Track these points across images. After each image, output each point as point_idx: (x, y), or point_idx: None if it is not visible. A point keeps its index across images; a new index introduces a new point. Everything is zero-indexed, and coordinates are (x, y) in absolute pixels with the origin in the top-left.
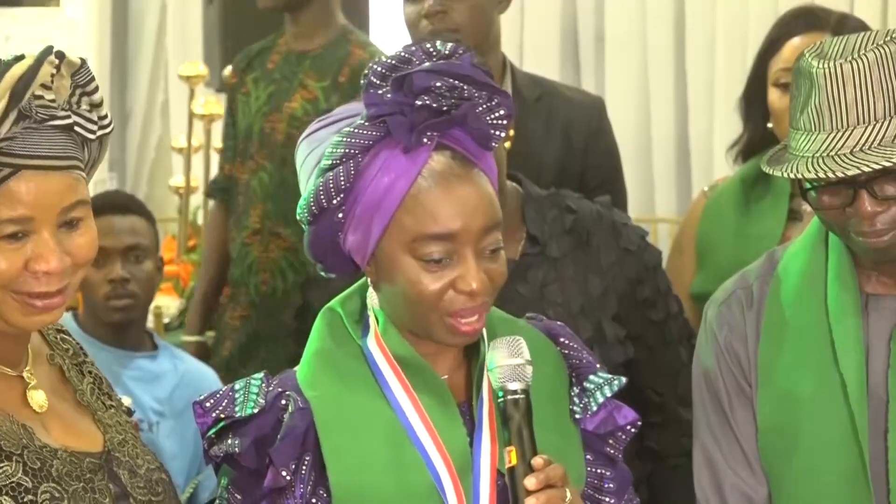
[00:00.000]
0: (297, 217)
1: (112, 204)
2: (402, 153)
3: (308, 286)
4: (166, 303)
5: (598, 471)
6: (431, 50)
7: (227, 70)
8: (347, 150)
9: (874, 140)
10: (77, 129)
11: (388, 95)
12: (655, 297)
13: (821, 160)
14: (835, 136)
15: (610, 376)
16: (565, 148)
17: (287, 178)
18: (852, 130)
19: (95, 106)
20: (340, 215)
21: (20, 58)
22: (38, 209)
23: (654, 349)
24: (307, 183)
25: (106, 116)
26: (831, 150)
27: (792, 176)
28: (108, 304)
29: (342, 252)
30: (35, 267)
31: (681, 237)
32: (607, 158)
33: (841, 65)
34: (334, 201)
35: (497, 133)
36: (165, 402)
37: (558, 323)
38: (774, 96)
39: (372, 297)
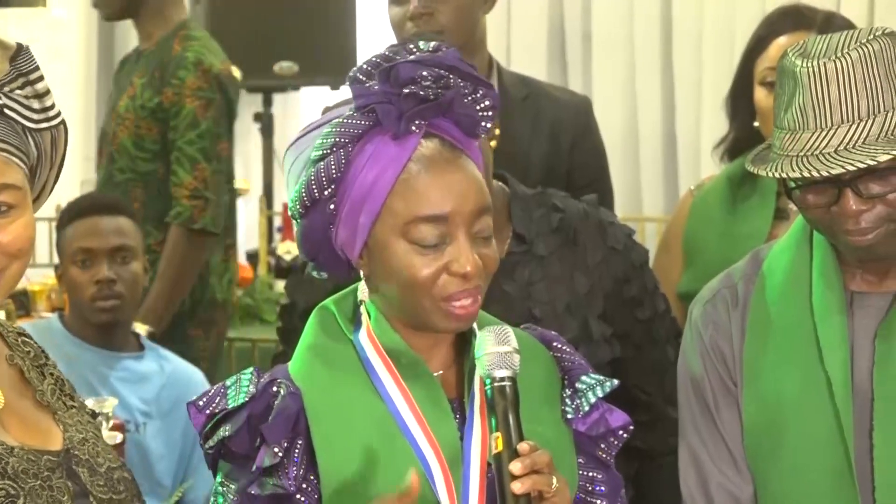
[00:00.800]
0: (290, 213)
1: (98, 205)
2: (391, 141)
3: (293, 286)
4: None
5: (590, 474)
6: (414, 49)
7: None
8: (338, 140)
9: (858, 139)
10: (8, 112)
11: (376, 87)
12: (642, 295)
13: (805, 159)
14: (819, 135)
15: (602, 378)
16: (552, 147)
17: (113, 174)
18: (836, 129)
19: (39, 95)
20: (332, 206)
21: None
22: None
23: (641, 348)
24: (295, 183)
25: (52, 108)
26: (816, 150)
27: (777, 175)
28: (94, 305)
29: (333, 249)
30: None
31: (668, 236)
32: (594, 158)
33: (824, 63)
34: (326, 192)
35: (483, 122)
36: (152, 403)
37: (553, 332)
38: (761, 95)
39: (363, 292)
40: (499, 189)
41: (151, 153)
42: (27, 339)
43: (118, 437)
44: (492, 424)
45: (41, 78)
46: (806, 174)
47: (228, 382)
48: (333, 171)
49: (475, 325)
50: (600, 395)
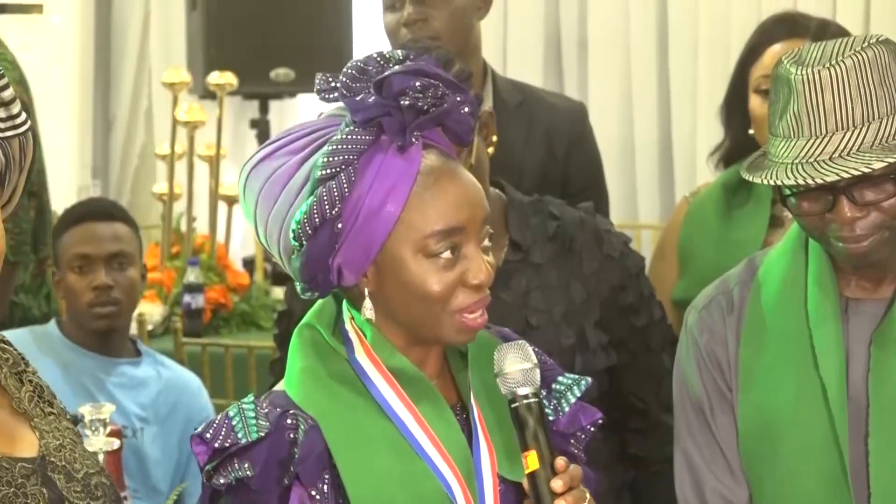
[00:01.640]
0: (292, 237)
1: (95, 211)
2: (395, 156)
3: (291, 292)
4: (150, 310)
5: None
6: (382, 59)
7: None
8: (346, 157)
9: (853, 146)
10: None
11: (371, 99)
12: (638, 303)
13: (800, 167)
14: (814, 143)
15: (576, 377)
16: (547, 154)
17: None
18: (831, 136)
19: (5, 104)
20: (340, 225)
21: None
22: None
23: (637, 355)
24: (272, 206)
25: (18, 115)
26: (810, 157)
27: (771, 182)
28: (91, 312)
29: (329, 269)
30: None
31: (663, 243)
32: (589, 164)
33: (819, 71)
34: (335, 210)
35: (471, 129)
36: (149, 409)
37: (506, 329)
38: (755, 103)
39: (368, 310)
40: (496, 196)
41: None
42: (5, 346)
43: (116, 443)
44: (520, 442)
45: (7, 86)
46: (801, 181)
47: (231, 413)
48: (345, 189)
49: None
50: (578, 394)
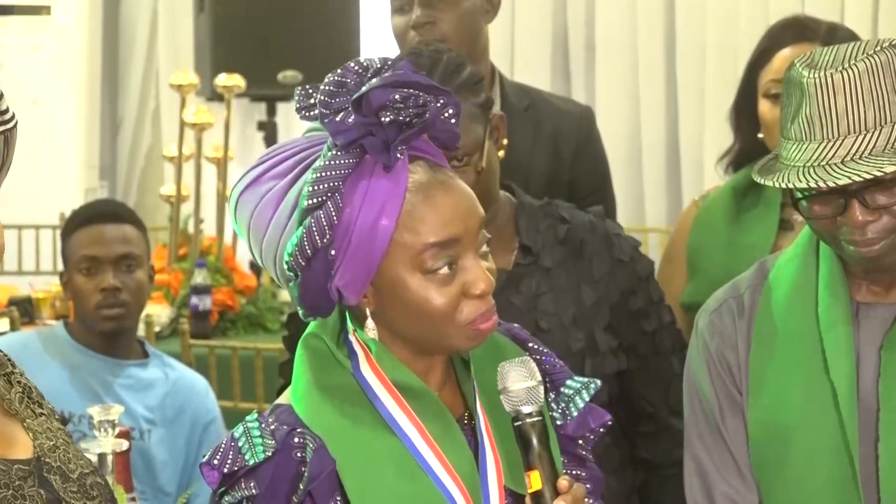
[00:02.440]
0: (286, 267)
1: (104, 213)
2: (381, 176)
3: None
4: (157, 311)
5: (574, 472)
6: (360, 69)
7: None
8: (331, 184)
9: (865, 150)
10: None
11: (350, 119)
12: (648, 307)
13: (812, 170)
14: (826, 146)
15: (585, 380)
16: (554, 157)
17: None
18: (843, 140)
19: None
20: (333, 252)
21: None
22: None
23: (647, 359)
24: (264, 232)
25: (7, 111)
26: (822, 160)
27: (783, 185)
28: (99, 313)
29: (328, 294)
30: None
31: (672, 247)
32: (596, 167)
33: (832, 75)
34: (326, 238)
35: (457, 133)
36: (156, 411)
37: (516, 325)
38: (765, 107)
39: (370, 331)
40: (505, 200)
41: None
42: None
43: (124, 445)
44: (525, 461)
45: None
46: (812, 184)
47: (237, 434)
48: (333, 216)
49: None
50: (587, 398)
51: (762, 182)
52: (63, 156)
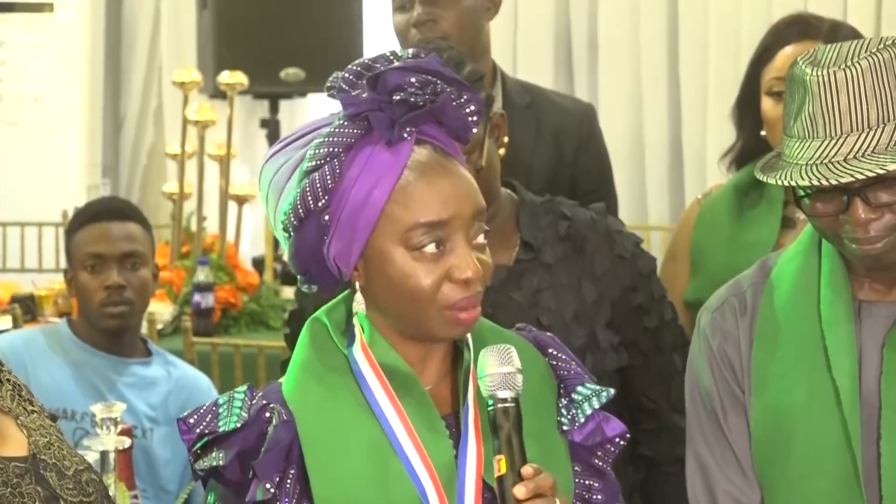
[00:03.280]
0: (281, 226)
1: (109, 210)
2: (384, 150)
3: (302, 292)
4: (160, 309)
5: (587, 482)
6: (392, 56)
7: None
8: (331, 150)
9: (868, 147)
10: None
11: (364, 94)
12: (649, 303)
13: (815, 167)
14: (829, 144)
15: (598, 388)
16: (555, 154)
17: None
18: (846, 138)
19: None
20: (327, 217)
21: None
22: None
23: (649, 356)
24: (278, 198)
25: None
26: (825, 158)
27: (785, 183)
28: (103, 311)
29: (325, 263)
30: None
31: (674, 244)
32: (598, 165)
33: (835, 72)
34: (320, 202)
35: (472, 126)
36: (159, 409)
37: (548, 334)
38: (767, 105)
39: (359, 304)
40: (507, 196)
41: None
42: None
43: (127, 442)
44: (494, 445)
45: None
46: (815, 182)
47: (221, 401)
48: (329, 181)
49: (469, 337)
50: (596, 406)
51: (764, 180)
52: (66, 153)
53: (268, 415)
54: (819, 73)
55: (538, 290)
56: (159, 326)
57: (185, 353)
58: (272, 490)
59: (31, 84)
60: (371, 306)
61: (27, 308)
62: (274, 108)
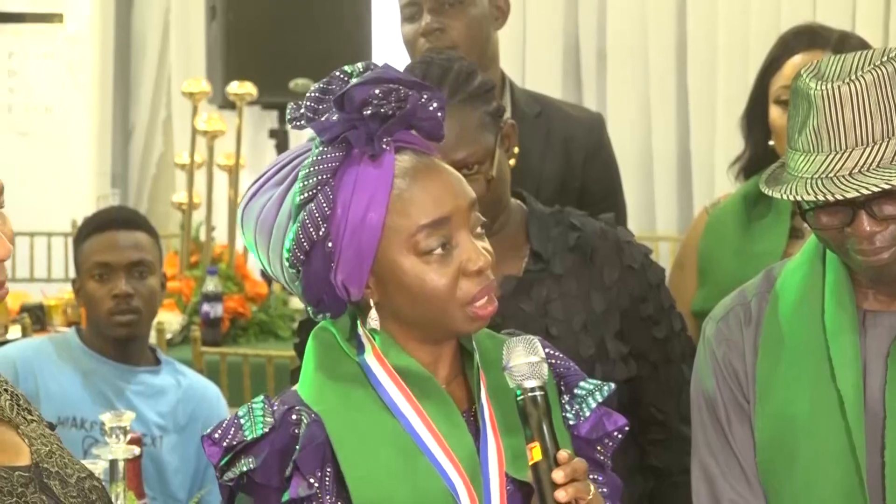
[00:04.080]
0: (287, 263)
1: (117, 219)
2: (368, 166)
3: None
4: (169, 319)
5: (590, 475)
6: (344, 75)
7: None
8: (319, 178)
9: (873, 161)
10: None
11: (335, 117)
12: (658, 314)
13: (819, 182)
14: (833, 158)
15: (599, 382)
16: (564, 164)
17: None
18: (851, 152)
19: None
20: (330, 244)
21: None
22: None
23: (657, 367)
24: (269, 236)
25: None
26: (830, 172)
27: (791, 197)
28: (111, 320)
29: (334, 289)
30: None
31: (683, 253)
32: (606, 174)
33: (839, 86)
34: (321, 231)
35: (441, 123)
36: (168, 417)
37: (537, 337)
38: (776, 114)
39: (373, 320)
40: (516, 207)
41: None
42: None
43: (135, 451)
44: (526, 435)
45: None
46: (821, 197)
47: (241, 413)
48: (325, 209)
49: (473, 336)
50: (600, 399)
51: (770, 194)
52: (75, 163)
53: (295, 417)
54: (823, 87)
55: (547, 300)
56: (168, 336)
57: (194, 362)
58: (315, 484)
59: (41, 94)
60: (387, 319)
61: (36, 318)
62: (283, 119)
